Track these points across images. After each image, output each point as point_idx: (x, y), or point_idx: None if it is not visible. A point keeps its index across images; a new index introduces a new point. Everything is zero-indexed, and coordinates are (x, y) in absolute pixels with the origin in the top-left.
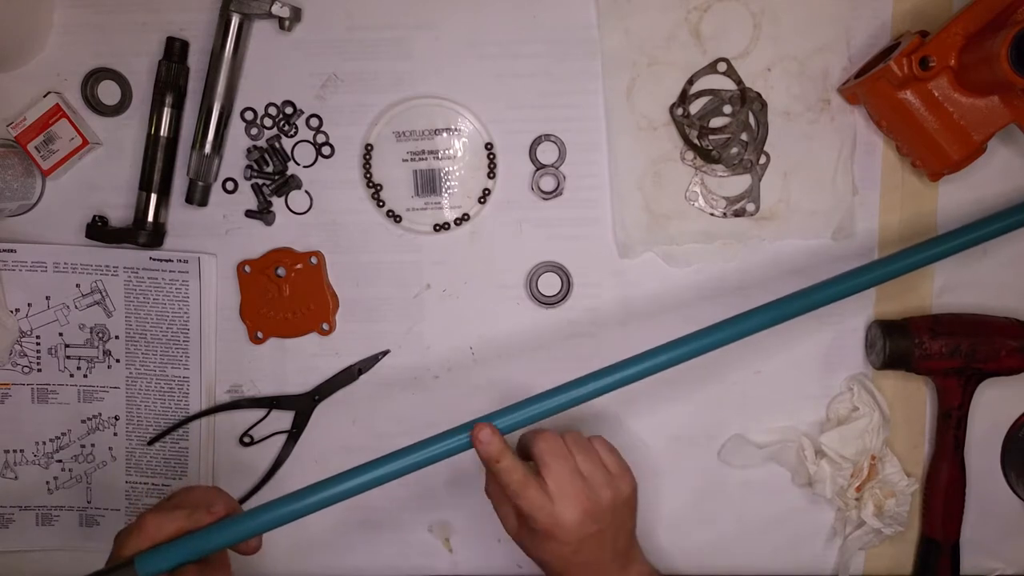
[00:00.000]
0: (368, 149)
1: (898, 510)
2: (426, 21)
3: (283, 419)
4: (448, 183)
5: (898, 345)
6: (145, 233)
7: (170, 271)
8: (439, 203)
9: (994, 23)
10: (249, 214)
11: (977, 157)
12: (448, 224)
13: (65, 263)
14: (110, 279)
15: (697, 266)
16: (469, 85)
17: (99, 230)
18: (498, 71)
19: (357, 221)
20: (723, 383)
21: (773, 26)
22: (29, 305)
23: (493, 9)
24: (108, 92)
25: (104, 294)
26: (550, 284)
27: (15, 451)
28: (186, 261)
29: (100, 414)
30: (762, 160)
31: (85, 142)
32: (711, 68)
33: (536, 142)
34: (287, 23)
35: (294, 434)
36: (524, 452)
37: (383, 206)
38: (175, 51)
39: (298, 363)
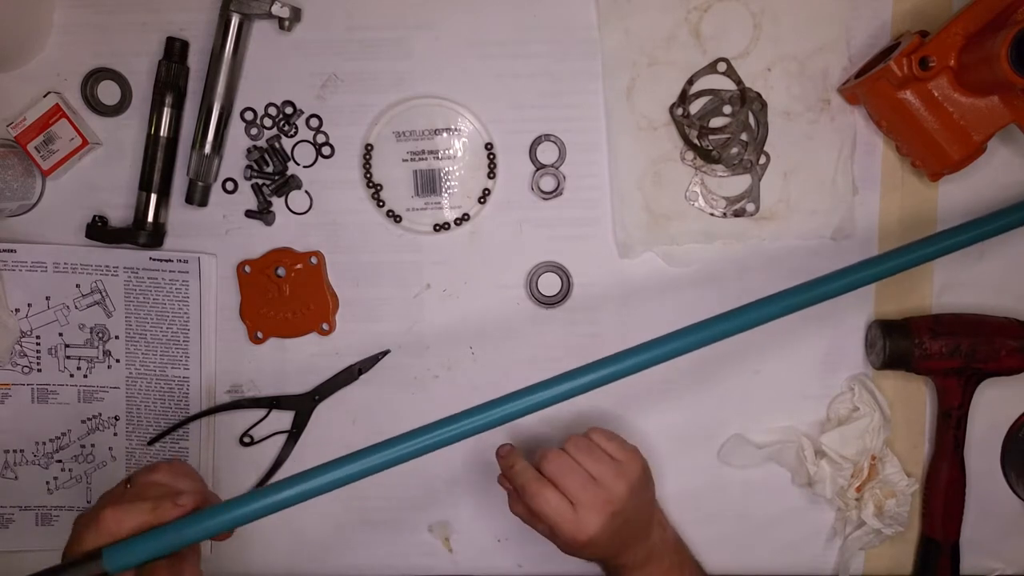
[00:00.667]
0: (368, 149)
1: (898, 510)
2: (426, 21)
3: (283, 419)
4: (448, 183)
5: (898, 345)
6: (145, 233)
7: (170, 271)
8: (439, 203)
9: (994, 23)
10: (249, 214)
11: (977, 157)
12: (448, 224)
13: (65, 263)
14: (110, 279)
15: (697, 266)
16: (469, 85)
17: (99, 230)
18: (498, 71)
19: (357, 221)
20: (723, 383)
21: (773, 26)
22: (29, 305)
23: (493, 9)
24: (108, 92)
25: (104, 294)
26: (550, 284)
27: (15, 451)
28: (186, 261)
29: (100, 414)
30: (762, 160)
31: (85, 142)
32: (711, 68)
33: (536, 142)
34: (287, 23)
35: (294, 434)
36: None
37: (383, 206)
38: (175, 51)
39: (298, 363)
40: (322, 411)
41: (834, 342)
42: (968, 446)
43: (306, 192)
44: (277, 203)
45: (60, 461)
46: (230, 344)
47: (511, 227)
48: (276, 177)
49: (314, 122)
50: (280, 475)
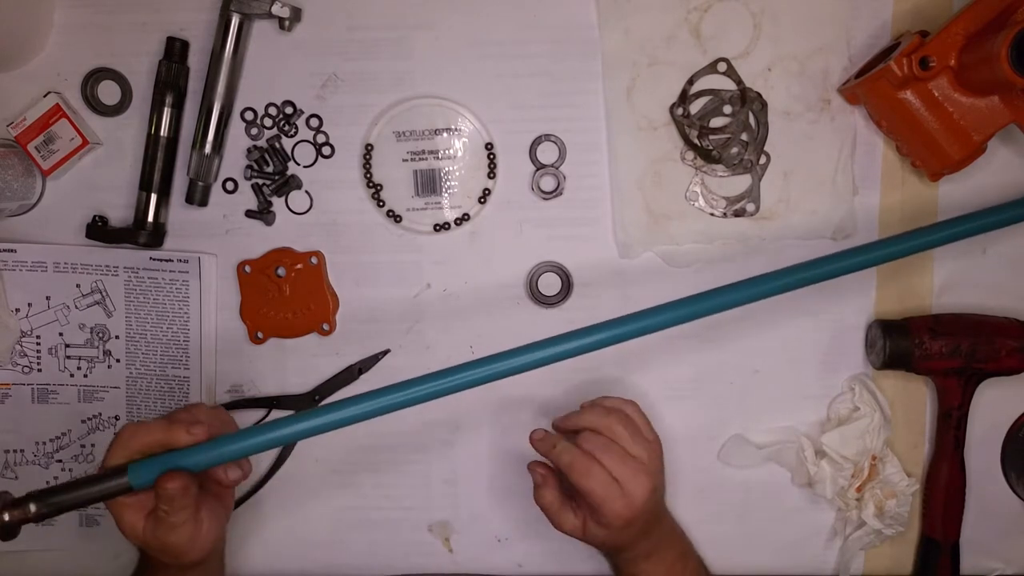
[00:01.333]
0: (368, 149)
1: (899, 511)
2: (426, 21)
3: None
4: (448, 183)
5: (898, 345)
6: (145, 233)
7: (170, 271)
8: (439, 203)
9: (994, 23)
10: (249, 214)
11: (977, 157)
12: (448, 224)
13: (65, 263)
14: (110, 279)
15: (697, 266)
16: (469, 85)
17: (99, 230)
18: (498, 71)
19: (357, 221)
20: (723, 383)
21: (773, 26)
22: (29, 305)
23: (493, 9)
24: (108, 92)
25: (104, 294)
26: (550, 284)
27: (15, 451)
28: (186, 261)
29: (100, 414)
30: (762, 160)
31: (85, 142)
32: (711, 68)
33: (536, 142)
34: (287, 23)
35: None
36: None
37: (383, 206)
38: (175, 51)
39: (298, 363)
40: None
41: (834, 342)
42: (968, 446)
43: (306, 192)
44: (277, 203)
45: (60, 461)
46: (230, 344)
47: (511, 227)
48: (276, 177)
49: (314, 122)
50: (280, 475)
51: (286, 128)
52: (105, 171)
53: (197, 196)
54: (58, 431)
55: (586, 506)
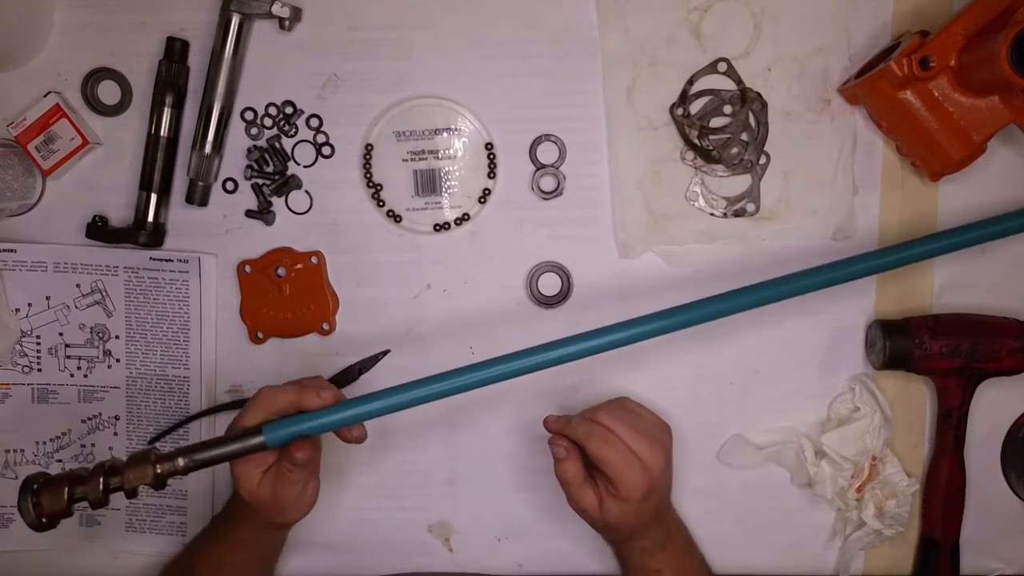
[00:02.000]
0: (368, 149)
1: (899, 511)
2: (426, 21)
3: None
4: (448, 183)
5: (898, 345)
6: (145, 233)
7: (170, 271)
8: (439, 203)
9: (994, 23)
10: (249, 214)
11: (977, 157)
12: (448, 224)
13: (65, 263)
14: (110, 279)
15: (697, 266)
16: (469, 85)
17: (99, 230)
18: (498, 71)
19: (357, 221)
20: (723, 383)
21: (773, 26)
22: (29, 305)
23: (493, 9)
24: (108, 92)
25: (104, 294)
26: (550, 284)
27: (15, 451)
28: (186, 261)
29: (100, 414)
30: (762, 160)
31: (85, 142)
32: (711, 68)
33: (536, 142)
34: (287, 23)
35: None
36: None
37: (383, 206)
38: (175, 51)
39: (298, 363)
40: None
41: (834, 342)
42: (968, 446)
43: (306, 192)
44: (277, 203)
45: (60, 461)
46: (230, 344)
47: (511, 227)
48: (276, 177)
49: (314, 122)
50: None
51: (286, 128)
52: (105, 171)
53: (197, 196)
54: (58, 431)
55: (603, 481)
